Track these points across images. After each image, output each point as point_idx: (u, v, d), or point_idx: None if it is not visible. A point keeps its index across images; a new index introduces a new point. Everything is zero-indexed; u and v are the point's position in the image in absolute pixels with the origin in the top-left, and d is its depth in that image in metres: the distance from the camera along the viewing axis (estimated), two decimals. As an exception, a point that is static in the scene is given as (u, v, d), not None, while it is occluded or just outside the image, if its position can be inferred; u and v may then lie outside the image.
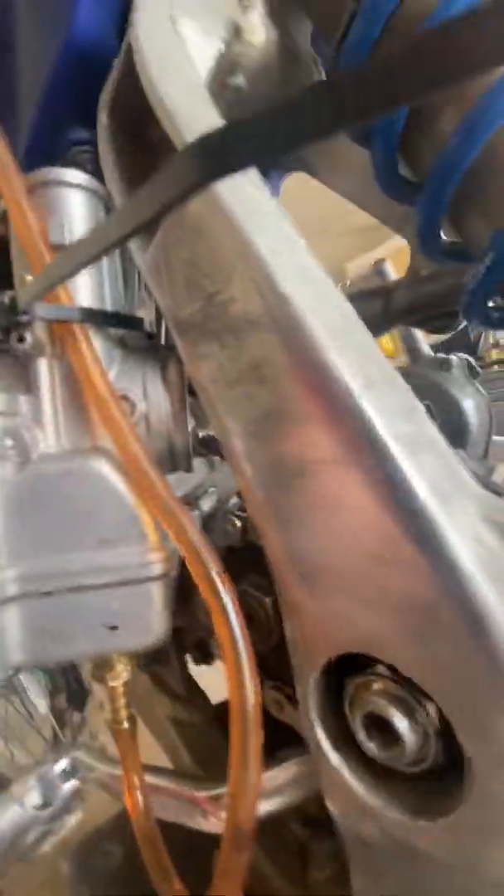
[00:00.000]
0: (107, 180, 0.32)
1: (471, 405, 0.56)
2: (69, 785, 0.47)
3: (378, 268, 0.84)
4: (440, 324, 0.67)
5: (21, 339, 0.28)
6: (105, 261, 0.32)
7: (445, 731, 0.21)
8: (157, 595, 0.29)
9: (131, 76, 0.33)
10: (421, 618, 0.20)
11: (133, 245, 0.31)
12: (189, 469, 0.36)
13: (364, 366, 0.22)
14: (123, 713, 0.37)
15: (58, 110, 0.47)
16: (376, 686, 0.23)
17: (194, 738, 0.58)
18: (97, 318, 0.29)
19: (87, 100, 0.46)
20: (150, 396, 0.32)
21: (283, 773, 0.42)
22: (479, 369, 0.61)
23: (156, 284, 0.29)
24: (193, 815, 0.42)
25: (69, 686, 0.83)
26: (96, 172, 0.44)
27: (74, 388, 0.30)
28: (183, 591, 0.47)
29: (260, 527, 0.26)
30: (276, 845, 0.44)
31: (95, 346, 0.29)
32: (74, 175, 0.31)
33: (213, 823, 0.41)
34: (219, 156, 0.15)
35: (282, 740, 0.52)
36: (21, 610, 0.28)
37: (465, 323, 0.71)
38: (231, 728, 0.24)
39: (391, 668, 0.23)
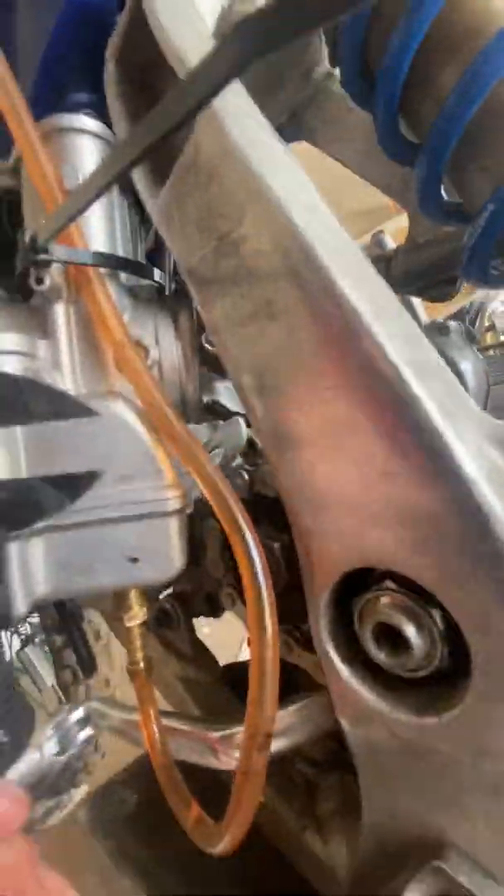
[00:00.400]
0: (115, 128, 0.32)
1: (469, 367, 0.57)
2: (84, 732, 0.49)
3: (377, 239, 0.84)
4: (438, 292, 0.68)
5: (40, 281, 0.29)
6: (117, 211, 0.33)
7: (448, 635, 0.23)
8: (174, 529, 0.31)
9: (139, 28, 0.33)
10: (429, 527, 0.22)
11: (144, 194, 0.32)
12: (199, 421, 0.37)
13: (374, 296, 0.24)
14: (140, 654, 0.39)
15: (59, 71, 0.47)
16: (384, 600, 0.25)
17: (202, 695, 0.60)
18: (112, 263, 0.30)
19: (88, 61, 0.46)
20: (162, 344, 0.33)
21: (289, 715, 0.44)
22: (475, 335, 0.62)
23: (167, 230, 0.30)
24: (206, 754, 0.44)
25: (78, 653, 0.85)
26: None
27: (90, 333, 0.31)
28: (192, 552, 0.49)
29: (272, 459, 0.27)
30: (284, 785, 0.46)
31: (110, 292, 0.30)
32: (86, 122, 0.32)
33: (224, 762, 0.44)
34: (227, 64, 0.16)
35: (289, 687, 0.54)
36: (44, 543, 0.29)
37: (463, 289, 0.72)
38: (251, 638, 0.25)
39: (398, 581, 0.24)
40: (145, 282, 0.35)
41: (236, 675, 0.61)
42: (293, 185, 0.25)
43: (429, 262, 0.64)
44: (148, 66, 0.36)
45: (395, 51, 0.38)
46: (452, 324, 0.62)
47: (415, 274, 0.65)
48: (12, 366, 0.28)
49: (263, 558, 0.25)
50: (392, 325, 0.23)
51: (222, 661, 0.63)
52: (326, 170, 0.63)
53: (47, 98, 0.48)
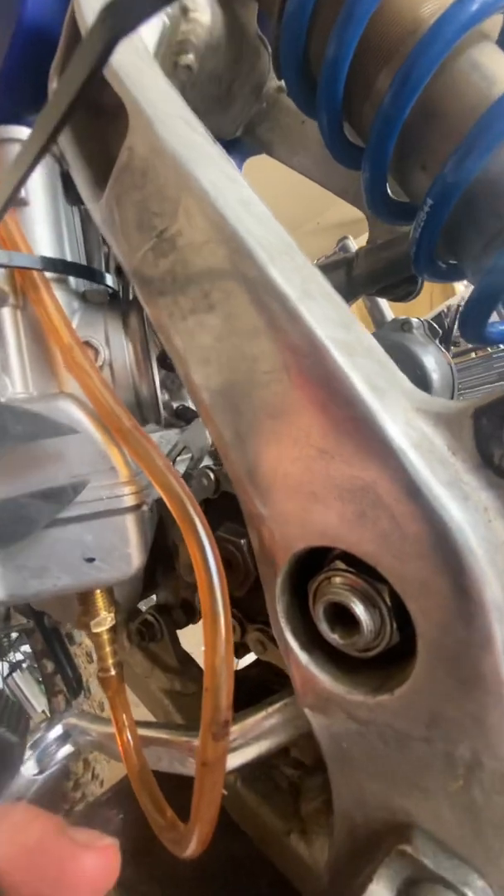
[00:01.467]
0: (59, 141, 0.33)
1: (432, 362, 0.58)
2: (64, 750, 0.48)
3: (341, 244, 0.87)
4: (402, 291, 0.70)
5: (-17, 286, 0.29)
6: (63, 216, 0.34)
7: (397, 612, 0.23)
8: (131, 526, 0.31)
9: (77, 41, 0.34)
10: (364, 499, 0.22)
11: (88, 201, 0.33)
12: (158, 420, 0.37)
13: (304, 281, 0.24)
14: (110, 660, 0.38)
15: (13, 95, 0.48)
16: (336, 580, 0.25)
17: (188, 706, 0.59)
18: (57, 267, 0.31)
19: (39, 83, 0.47)
20: (113, 344, 0.33)
21: (269, 717, 0.43)
22: (438, 328, 0.63)
23: (111, 233, 0.30)
24: (184, 762, 0.43)
25: (65, 675, 0.84)
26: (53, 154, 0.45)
27: (39, 337, 0.31)
28: (166, 560, 0.49)
29: (222, 451, 0.28)
30: (268, 788, 0.46)
31: (57, 296, 0.31)
32: (23, 131, 0.33)
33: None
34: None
35: (267, 691, 0.53)
36: (-2, 547, 0.29)
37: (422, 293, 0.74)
38: (204, 629, 0.25)
39: (346, 560, 0.25)
40: (98, 287, 0.36)
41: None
42: (222, 180, 0.26)
43: (387, 262, 0.66)
44: (88, 80, 0.37)
45: (332, 58, 0.40)
46: (415, 320, 0.63)
47: (375, 274, 0.67)
48: (-41, 371, 0.29)
49: (214, 547, 0.25)
50: (321, 309, 0.24)
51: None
52: (307, 184, 0.65)
53: (5, 118, 0.50)
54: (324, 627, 0.25)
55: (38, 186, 0.32)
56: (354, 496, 0.22)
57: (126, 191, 0.28)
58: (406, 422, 0.22)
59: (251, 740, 0.43)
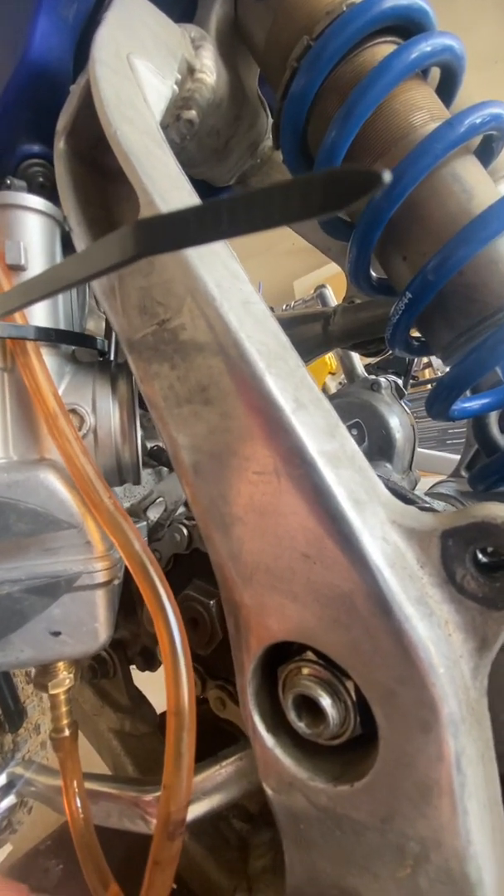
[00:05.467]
0: (63, 202, 0.33)
1: (396, 423, 0.62)
2: (6, 801, 0.46)
3: (319, 293, 0.90)
4: (373, 348, 0.74)
5: (-27, 353, 0.29)
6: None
7: (361, 705, 0.25)
8: (100, 602, 0.31)
9: (89, 108, 0.35)
10: (341, 606, 0.24)
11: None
12: (137, 481, 0.37)
13: (297, 389, 0.26)
14: (65, 721, 0.38)
15: (10, 125, 0.47)
16: (305, 671, 0.27)
17: (138, 748, 0.59)
18: (51, 336, 0.31)
19: (39, 115, 0.47)
20: (100, 410, 0.33)
21: (223, 770, 0.44)
22: (405, 390, 0.68)
23: (109, 306, 0.31)
24: (134, 819, 0.43)
25: (5, 706, 0.79)
26: (45, 186, 0.45)
27: (24, 401, 0.31)
28: (128, 604, 0.48)
29: (204, 531, 0.29)
30: (216, 842, 0.46)
31: (47, 361, 0.31)
32: (32, 200, 0.33)
33: (154, 825, 0.43)
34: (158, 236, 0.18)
35: (222, 743, 0.54)
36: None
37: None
38: (167, 722, 0.26)
39: (317, 653, 0.26)
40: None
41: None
42: (227, 280, 0.28)
43: (363, 323, 0.70)
44: (97, 143, 0.37)
45: (329, 144, 0.43)
46: (383, 380, 0.67)
47: (351, 332, 0.71)
48: None
49: (186, 641, 0.26)
50: (311, 418, 0.25)
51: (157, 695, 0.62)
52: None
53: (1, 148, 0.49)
54: (292, 717, 0.27)
55: (37, 250, 0.32)
56: (332, 602, 0.24)
57: (130, 273, 0.29)
58: (382, 536, 0.24)
59: (203, 794, 0.44)
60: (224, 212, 0.15)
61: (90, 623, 0.30)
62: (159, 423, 0.30)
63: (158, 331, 0.29)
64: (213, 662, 0.45)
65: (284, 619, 0.26)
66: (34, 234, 0.33)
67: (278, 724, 0.29)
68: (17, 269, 0.31)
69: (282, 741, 0.28)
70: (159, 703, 0.60)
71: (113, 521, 0.28)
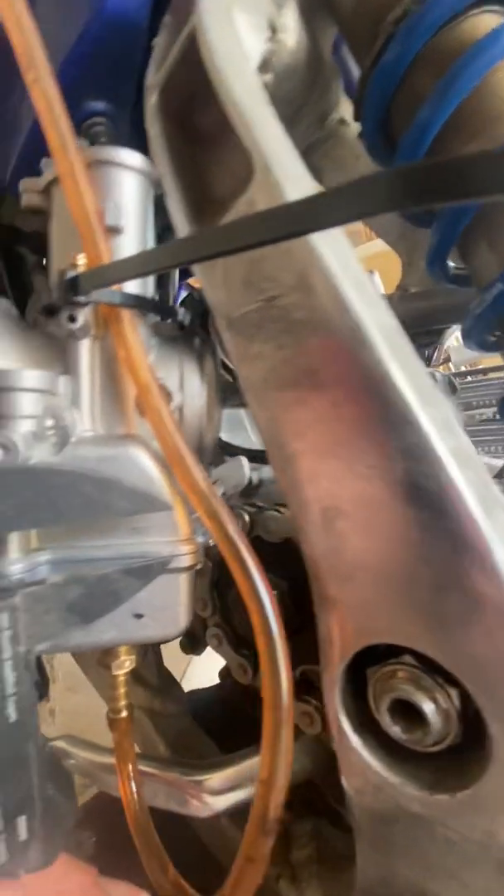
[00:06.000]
0: (156, 163, 0.31)
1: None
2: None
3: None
4: (425, 340, 0.72)
5: (73, 319, 0.27)
6: (149, 246, 0.32)
7: (465, 713, 0.24)
8: (184, 587, 0.30)
9: (187, 61, 0.32)
10: (461, 614, 0.22)
11: (180, 230, 0.31)
12: (211, 463, 0.36)
13: (418, 380, 0.24)
14: (122, 702, 0.37)
15: (78, 81, 0.45)
16: (401, 674, 0.25)
17: (168, 728, 0.59)
18: (146, 306, 0.29)
19: (109, 71, 0.44)
20: (187, 389, 0.32)
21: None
22: (457, 386, 0.66)
23: (208, 277, 0.29)
24: (182, 801, 0.43)
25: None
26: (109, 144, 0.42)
27: (113, 373, 0.30)
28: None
29: (300, 523, 0.27)
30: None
31: (138, 332, 0.29)
32: (132, 157, 0.31)
33: (195, 808, 0.43)
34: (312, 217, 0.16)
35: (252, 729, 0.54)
36: (49, 594, 0.27)
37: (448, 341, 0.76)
38: (264, 716, 0.25)
39: (416, 656, 0.25)
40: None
41: (198, 706, 0.60)
42: (345, 259, 0.26)
43: (419, 313, 0.68)
44: (191, 102, 0.35)
45: (423, 121, 0.40)
46: (437, 374, 0.65)
47: (406, 322, 0.68)
48: (31, 405, 0.26)
49: (283, 633, 0.25)
50: (433, 411, 0.24)
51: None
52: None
53: (70, 103, 0.46)
54: (386, 721, 0.26)
55: (132, 214, 0.30)
56: (450, 609, 0.22)
57: (237, 244, 0.27)
58: (509, 543, 0.22)
59: (244, 783, 0.44)
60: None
61: (173, 607, 0.29)
62: (255, 406, 0.28)
63: (265, 307, 0.27)
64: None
65: (391, 621, 0.24)
66: (131, 194, 0.31)
67: (363, 724, 0.28)
68: (115, 231, 0.29)
69: (368, 743, 0.27)
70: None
71: (208, 504, 0.27)
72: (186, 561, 0.29)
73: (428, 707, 0.24)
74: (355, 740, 0.27)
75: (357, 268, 0.26)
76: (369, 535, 0.25)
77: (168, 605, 0.29)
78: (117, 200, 0.29)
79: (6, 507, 0.22)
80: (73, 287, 0.24)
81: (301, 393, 0.26)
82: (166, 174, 0.31)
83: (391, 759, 0.26)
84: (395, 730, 0.26)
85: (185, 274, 0.57)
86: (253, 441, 0.65)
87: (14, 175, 0.40)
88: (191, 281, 0.66)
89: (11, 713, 0.20)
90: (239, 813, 0.48)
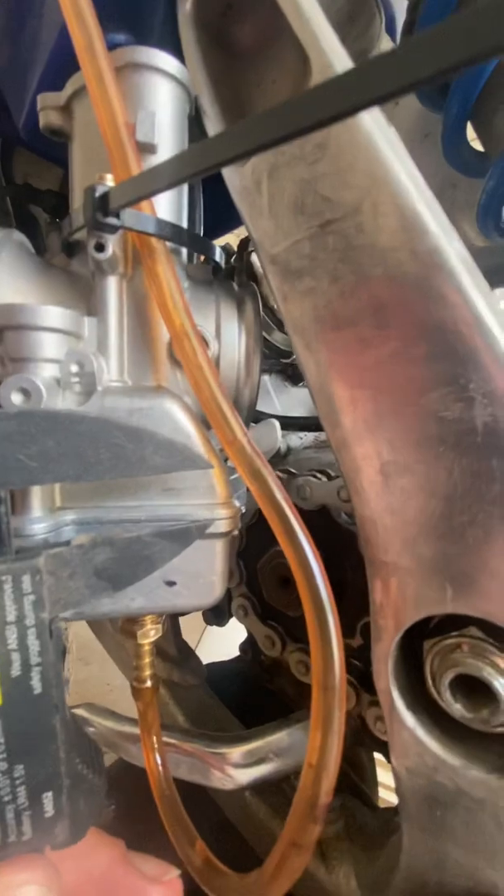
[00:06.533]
0: (193, 78, 0.27)
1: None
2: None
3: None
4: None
5: (101, 248, 0.24)
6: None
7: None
8: (220, 553, 0.27)
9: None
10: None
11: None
12: (248, 423, 0.33)
13: (496, 313, 0.21)
14: (147, 672, 0.35)
15: (97, 12, 0.40)
16: (465, 647, 0.23)
17: (186, 699, 0.58)
18: (182, 238, 0.26)
19: (128, 1, 0.40)
20: (224, 338, 0.28)
21: (295, 733, 0.42)
22: None
23: (249, 205, 0.25)
24: (205, 773, 0.41)
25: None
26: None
27: (143, 317, 0.26)
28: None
29: (353, 481, 0.25)
30: (281, 804, 0.45)
31: (170, 270, 0.26)
32: (167, 60, 0.27)
33: (224, 780, 0.41)
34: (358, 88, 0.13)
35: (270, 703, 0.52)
36: (74, 557, 0.25)
37: None
38: (314, 697, 0.22)
39: (483, 628, 0.22)
40: (201, 262, 0.31)
41: (215, 678, 0.58)
42: (416, 178, 0.22)
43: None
44: (225, 12, 0.31)
45: None
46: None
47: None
48: (54, 348, 0.23)
49: (337, 619, 0.22)
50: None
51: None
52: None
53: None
54: (447, 697, 0.24)
55: (167, 130, 0.26)
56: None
57: (288, 163, 0.24)
58: None
59: (274, 755, 0.42)
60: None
61: (208, 575, 0.27)
62: (304, 351, 0.25)
63: (319, 234, 0.23)
64: (300, 625, 0.42)
65: (460, 589, 0.22)
66: (167, 106, 0.27)
67: (416, 701, 0.25)
68: (146, 149, 0.25)
69: (422, 721, 0.25)
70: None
71: (250, 462, 0.24)
72: (224, 526, 0.27)
73: (499, 683, 0.22)
74: (409, 718, 0.25)
75: (427, 189, 0.23)
76: (437, 492, 0.22)
77: (203, 572, 0.27)
78: (153, 111, 0.25)
79: (27, 457, 0.19)
80: (103, 205, 0.21)
81: (361, 331, 0.23)
82: (202, 88, 0.27)
83: (450, 740, 0.24)
84: (457, 707, 0.23)
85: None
86: (277, 408, 0.62)
87: (26, 125, 0.36)
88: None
89: (36, 685, 0.18)
90: (265, 790, 0.47)
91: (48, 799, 0.18)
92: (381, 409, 0.23)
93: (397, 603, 0.24)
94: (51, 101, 0.28)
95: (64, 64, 0.31)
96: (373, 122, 0.22)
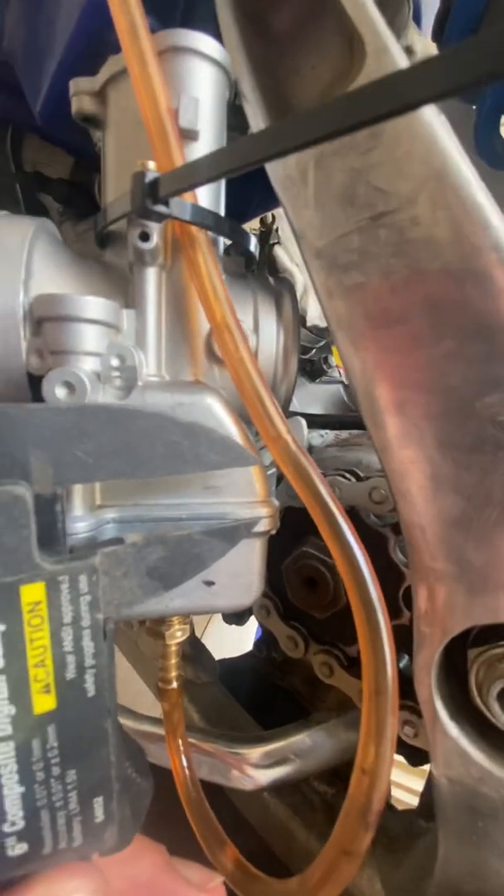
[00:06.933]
0: (231, 57, 0.26)
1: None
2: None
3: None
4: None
5: (146, 237, 0.23)
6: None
7: None
8: (259, 553, 0.27)
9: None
10: None
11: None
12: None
13: None
14: (173, 673, 0.35)
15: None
16: (515, 658, 0.22)
17: (200, 696, 0.57)
18: (223, 228, 0.25)
19: None
20: (262, 333, 0.28)
21: (315, 735, 0.41)
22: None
23: (294, 196, 0.25)
24: (226, 773, 0.41)
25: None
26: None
27: (182, 310, 0.26)
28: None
29: (400, 485, 0.24)
30: (299, 802, 0.44)
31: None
32: (209, 44, 0.26)
33: (244, 780, 0.41)
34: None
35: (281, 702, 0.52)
36: (128, 556, 0.24)
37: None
38: (364, 703, 0.22)
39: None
40: (236, 255, 0.30)
41: (226, 673, 0.58)
42: (475, 172, 0.21)
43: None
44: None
45: None
46: None
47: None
48: (95, 341, 0.23)
49: (388, 621, 0.22)
50: None
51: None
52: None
53: (99, 21, 0.40)
54: (495, 710, 0.23)
55: (209, 116, 0.25)
56: None
57: (337, 151, 0.23)
58: None
59: (288, 759, 0.42)
60: None
61: (246, 575, 0.26)
62: (349, 349, 0.24)
63: (369, 227, 0.22)
64: (325, 627, 0.41)
65: (514, 597, 0.21)
66: (209, 92, 0.26)
67: (459, 710, 0.25)
68: (189, 136, 0.24)
69: (465, 731, 0.24)
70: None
71: (296, 462, 0.23)
72: (265, 525, 0.26)
73: (552, 696, 0.21)
74: (453, 728, 0.24)
75: (482, 182, 0.22)
76: (493, 499, 0.21)
77: (242, 572, 0.26)
78: (196, 97, 0.24)
79: (84, 453, 0.18)
80: (153, 193, 0.20)
81: (414, 329, 0.22)
82: (243, 73, 0.26)
83: (496, 751, 0.24)
84: (505, 719, 0.23)
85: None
86: (295, 405, 0.61)
87: (43, 111, 0.34)
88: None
89: (90, 687, 0.18)
90: (283, 790, 0.47)
91: (99, 804, 0.18)
92: (432, 411, 0.22)
93: (444, 611, 0.23)
94: (84, 86, 0.27)
95: (84, 48, 0.30)
96: (432, 111, 0.21)
